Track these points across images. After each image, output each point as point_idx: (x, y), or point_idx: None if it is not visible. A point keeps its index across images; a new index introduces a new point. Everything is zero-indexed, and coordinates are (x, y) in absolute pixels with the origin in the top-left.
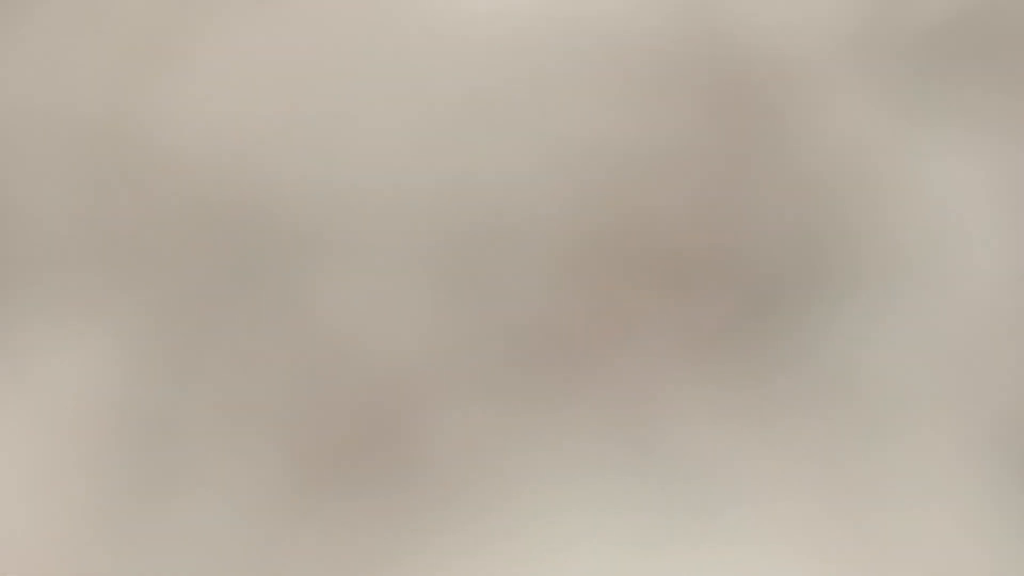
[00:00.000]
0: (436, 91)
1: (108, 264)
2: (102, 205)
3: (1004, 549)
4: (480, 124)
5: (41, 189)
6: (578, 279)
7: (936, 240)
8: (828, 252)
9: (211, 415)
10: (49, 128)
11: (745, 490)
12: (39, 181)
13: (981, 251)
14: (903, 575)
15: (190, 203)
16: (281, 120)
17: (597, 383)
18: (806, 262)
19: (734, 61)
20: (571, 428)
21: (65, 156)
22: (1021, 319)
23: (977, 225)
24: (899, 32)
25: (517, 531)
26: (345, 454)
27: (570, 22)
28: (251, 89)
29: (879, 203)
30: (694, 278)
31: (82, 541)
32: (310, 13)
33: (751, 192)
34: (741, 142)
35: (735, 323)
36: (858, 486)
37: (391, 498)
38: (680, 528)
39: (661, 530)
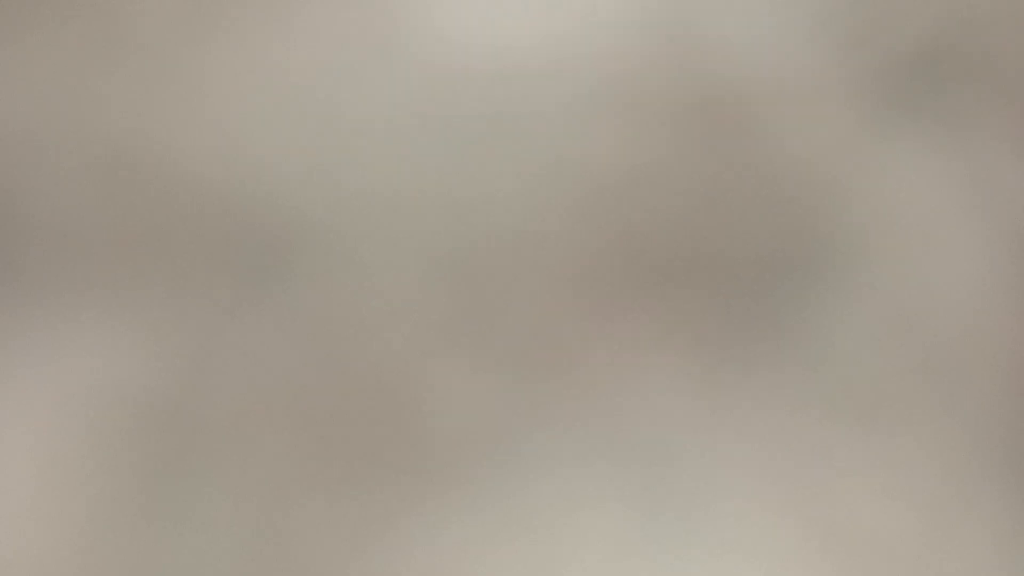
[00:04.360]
0: (439, 110)
1: (124, 262)
2: (121, 206)
3: (985, 543)
4: (479, 140)
5: (61, 190)
6: (571, 285)
7: (911, 244)
8: (805, 258)
9: (224, 408)
10: (68, 136)
11: (728, 483)
12: (59, 184)
13: (954, 254)
14: (880, 570)
15: (207, 204)
16: (292, 130)
17: (588, 381)
18: (784, 267)
19: (715, 88)
20: (564, 424)
21: (85, 162)
22: (993, 317)
23: (946, 232)
24: (872, 53)
25: (513, 517)
26: (356, 446)
27: (563, 55)
28: (262, 101)
29: (854, 211)
30: (678, 283)
31: (95, 534)
32: (320, 32)
33: (731, 204)
34: (722, 158)
35: (718, 324)
36: (840, 481)
37: (398, 487)
38: (664, 520)
39: (646, 522)
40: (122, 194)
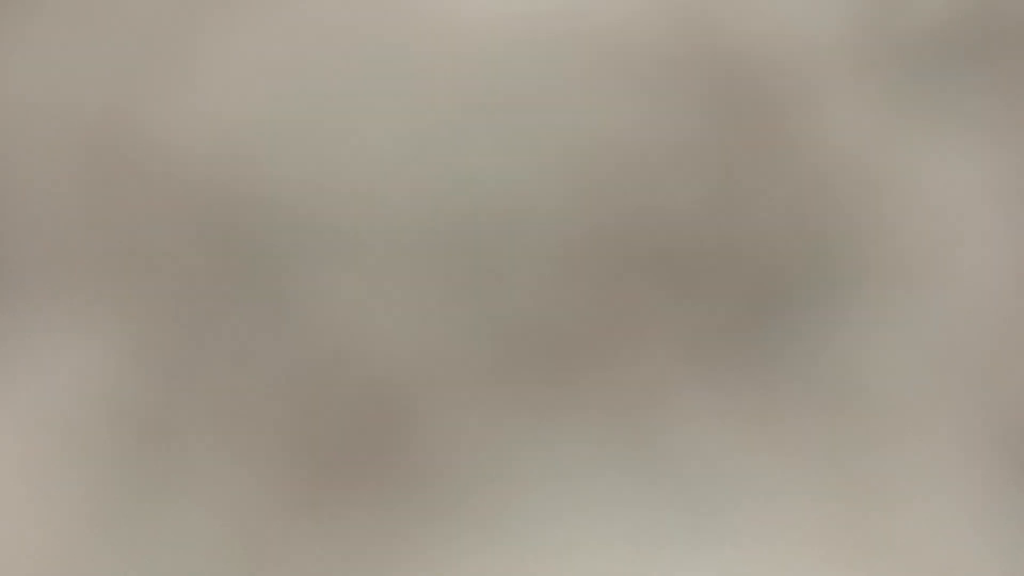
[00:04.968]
0: (438, 91)
1: (105, 264)
2: (99, 205)
3: (1006, 550)
4: (482, 124)
5: (38, 188)
6: (579, 279)
7: (935, 240)
8: (829, 253)
9: (207, 416)
10: (51, 128)
11: (745, 490)
12: (37, 180)
13: (980, 251)
14: (901, 573)
15: (189, 203)
16: (282, 121)
17: (597, 382)
18: (807, 262)
19: (735, 64)
20: (571, 427)
21: (65, 156)
22: (1020, 319)
23: (975, 225)
24: (896, 34)
25: (515, 530)
26: (342, 454)
27: (574, 25)
28: (253, 90)
29: (879, 203)
30: (695, 278)
31: (77, 541)
32: (312, 15)
33: (752, 193)
34: (742, 144)
35: (736, 323)
36: (859, 486)
37: (388, 498)
38: (679, 528)
39: (660, 530)
40: (106, 196)
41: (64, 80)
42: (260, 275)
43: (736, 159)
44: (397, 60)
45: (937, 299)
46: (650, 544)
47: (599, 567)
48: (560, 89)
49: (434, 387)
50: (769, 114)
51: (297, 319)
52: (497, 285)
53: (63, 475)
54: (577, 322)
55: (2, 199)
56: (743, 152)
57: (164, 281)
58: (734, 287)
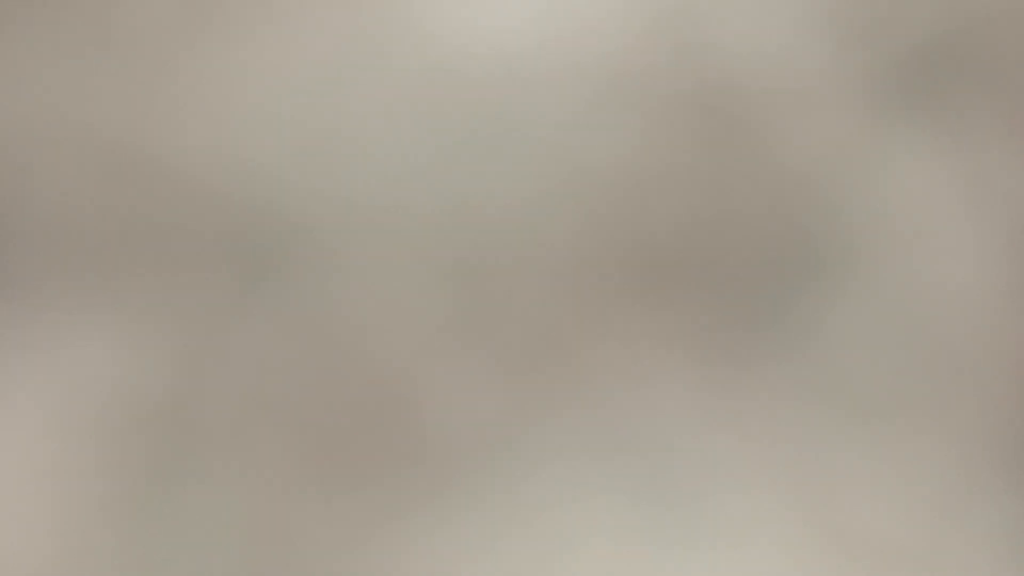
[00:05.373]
0: (439, 110)
1: (121, 262)
2: (118, 207)
3: (985, 541)
4: (479, 140)
5: (57, 191)
6: (570, 284)
7: (912, 244)
8: (805, 257)
9: (222, 409)
10: (68, 137)
11: (729, 480)
12: (55, 185)
13: (955, 253)
14: (878, 566)
15: (205, 205)
16: (290, 130)
17: (589, 378)
18: (784, 267)
19: (719, 85)
20: (565, 425)
21: (81, 162)
22: (994, 316)
23: (952, 229)
24: (875, 54)
25: (514, 518)
26: (355, 446)
27: (574, 56)
28: (260, 102)
29: (854, 211)
30: (680, 283)
31: (94, 530)
32: (319, 31)
33: (734, 204)
34: (724, 161)
35: (720, 323)
36: (839, 476)
37: (396, 486)
38: (664, 517)
39: (646, 518)
40: (119, 195)
41: (72, 92)
42: (276, 273)
43: (720, 177)
44: (408, 88)
45: (910, 298)
46: (637, 527)
47: (594, 549)
48: (562, 115)
49: (435, 384)
50: (752, 136)
51: (310, 316)
52: (494, 289)
53: (77, 469)
54: (571, 324)
55: (19, 203)
56: (726, 171)
57: (178, 281)
58: (715, 290)
